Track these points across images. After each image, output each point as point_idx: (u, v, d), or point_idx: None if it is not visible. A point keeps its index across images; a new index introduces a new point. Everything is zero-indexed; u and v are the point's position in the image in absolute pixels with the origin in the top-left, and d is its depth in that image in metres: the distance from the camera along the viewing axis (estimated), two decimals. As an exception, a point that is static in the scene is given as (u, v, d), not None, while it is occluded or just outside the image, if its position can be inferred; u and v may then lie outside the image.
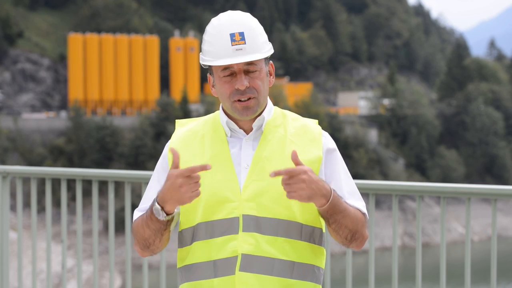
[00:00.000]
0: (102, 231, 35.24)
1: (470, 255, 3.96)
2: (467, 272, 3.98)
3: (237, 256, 2.59)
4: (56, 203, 27.36)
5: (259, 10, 78.90)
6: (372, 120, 64.61)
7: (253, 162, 2.65)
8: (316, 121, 2.80)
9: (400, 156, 61.42)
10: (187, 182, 2.48)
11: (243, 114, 2.66)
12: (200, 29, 70.56)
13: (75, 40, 60.87)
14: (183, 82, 62.73)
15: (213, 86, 2.74)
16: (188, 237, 2.68)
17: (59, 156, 49.99)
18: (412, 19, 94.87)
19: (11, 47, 61.98)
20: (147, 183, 4.37)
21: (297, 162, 2.48)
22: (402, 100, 65.40)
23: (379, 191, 4.17)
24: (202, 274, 2.64)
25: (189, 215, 2.67)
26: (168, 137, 26.96)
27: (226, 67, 2.65)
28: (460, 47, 77.15)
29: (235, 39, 2.63)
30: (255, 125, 2.69)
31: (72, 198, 22.26)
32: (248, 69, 2.65)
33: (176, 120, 2.85)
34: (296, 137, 2.71)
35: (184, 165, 2.68)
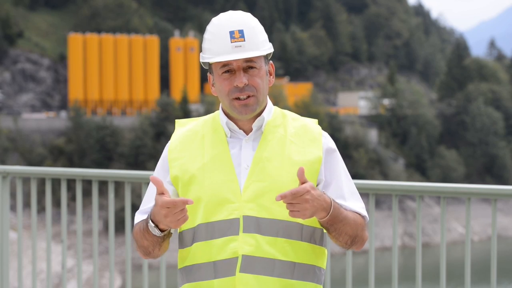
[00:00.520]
0: (102, 231, 35.23)
1: (470, 255, 3.96)
2: (467, 272, 3.97)
3: (237, 257, 2.58)
4: (56, 203, 27.33)
5: (259, 10, 78.88)
6: (372, 120, 64.59)
7: (253, 162, 2.64)
8: (316, 120, 2.80)
9: (400, 156, 61.40)
10: (171, 212, 2.49)
11: (242, 112, 2.65)
12: (200, 29, 70.54)
13: (75, 40, 60.85)
14: (183, 82, 62.70)
15: (213, 85, 2.73)
16: (188, 238, 2.68)
17: (59, 156, 49.97)
18: (412, 19, 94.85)
19: (11, 47, 61.97)
20: (147, 183, 4.38)
21: (302, 180, 2.48)
22: (402, 100, 65.38)
23: (379, 191, 4.17)
24: (202, 275, 2.64)
25: (190, 216, 2.67)
26: (168, 137, 26.94)
27: (225, 64, 2.64)
28: (460, 47, 77.15)
29: (234, 36, 2.63)
30: (255, 125, 2.69)
31: (72, 198, 22.27)
32: (248, 66, 2.64)
33: (176, 120, 2.85)
34: (296, 137, 2.70)
35: (183, 165, 2.68)
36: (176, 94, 60.15)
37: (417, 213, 4.11)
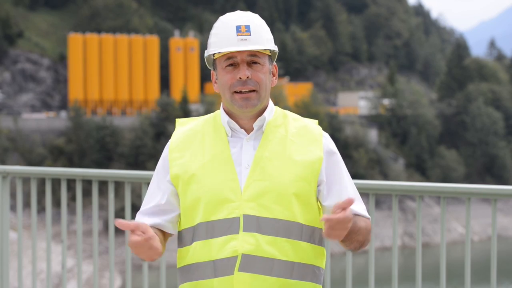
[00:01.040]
0: (102, 231, 35.20)
1: (470, 255, 3.96)
2: (467, 272, 3.97)
3: (237, 256, 2.59)
4: (56, 203, 27.33)
5: (259, 10, 78.84)
6: (372, 120, 64.58)
7: (254, 162, 2.64)
8: (316, 121, 2.81)
9: (400, 156, 61.39)
10: (140, 251, 2.54)
11: (243, 106, 2.65)
12: (200, 29, 70.52)
13: (75, 40, 60.84)
14: (183, 82, 62.69)
15: (215, 82, 2.74)
16: (188, 237, 2.68)
17: (59, 156, 49.96)
18: (412, 19, 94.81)
19: (11, 47, 61.96)
20: (147, 183, 4.38)
21: (346, 211, 2.49)
22: (402, 100, 65.36)
23: (379, 191, 4.17)
24: (202, 274, 2.64)
25: (189, 215, 2.67)
26: (168, 137, 26.93)
27: (229, 57, 2.65)
28: (460, 47, 77.08)
29: (240, 30, 2.65)
30: (256, 124, 2.69)
31: (72, 198, 22.24)
32: (252, 60, 2.65)
33: (176, 119, 2.85)
34: (297, 137, 2.71)
35: (184, 164, 2.69)
36: (176, 94, 60.13)
37: (417, 213, 4.12)
